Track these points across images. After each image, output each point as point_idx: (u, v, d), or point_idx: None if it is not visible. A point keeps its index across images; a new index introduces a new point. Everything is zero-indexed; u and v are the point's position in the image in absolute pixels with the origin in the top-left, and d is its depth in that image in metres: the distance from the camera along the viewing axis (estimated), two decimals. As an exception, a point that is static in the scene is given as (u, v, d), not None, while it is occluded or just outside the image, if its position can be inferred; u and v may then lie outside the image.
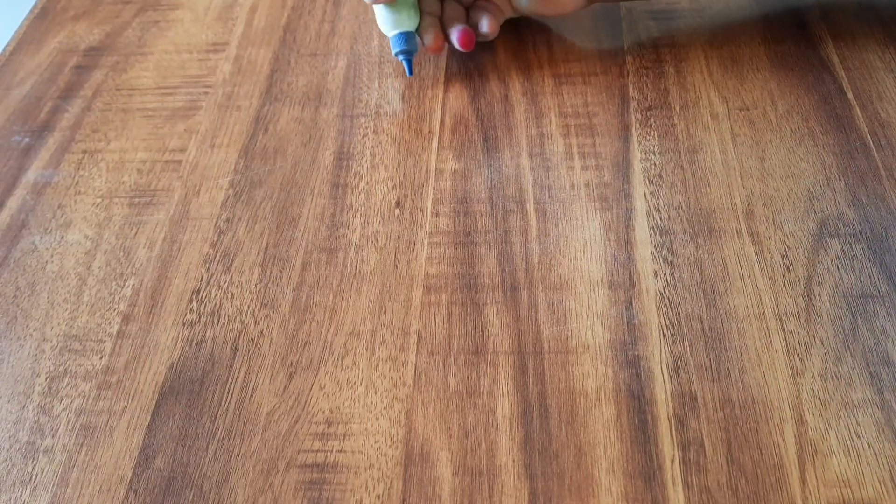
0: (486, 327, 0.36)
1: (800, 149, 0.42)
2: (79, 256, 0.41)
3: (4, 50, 0.53)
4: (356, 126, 0.46)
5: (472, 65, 0.48)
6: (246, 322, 0.37)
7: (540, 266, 0.38)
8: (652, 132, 0.43)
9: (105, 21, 0.54)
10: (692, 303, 0.36)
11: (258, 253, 0.40)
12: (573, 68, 0.47)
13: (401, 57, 0.46)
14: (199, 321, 0.37)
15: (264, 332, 0.37)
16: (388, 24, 0.45)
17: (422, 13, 0.46)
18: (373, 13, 0.48)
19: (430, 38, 0.45)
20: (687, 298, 0.36)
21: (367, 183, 0.43)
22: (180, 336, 0.37)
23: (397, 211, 0.41)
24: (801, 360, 0.34)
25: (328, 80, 0.48)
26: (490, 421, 0.33)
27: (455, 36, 0.46)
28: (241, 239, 0.41)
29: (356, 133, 0.45)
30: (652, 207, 0.40)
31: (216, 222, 0.41)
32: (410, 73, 0.46)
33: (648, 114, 0.44)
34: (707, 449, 0.32)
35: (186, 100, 0.48)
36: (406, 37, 0.45)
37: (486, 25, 0.46)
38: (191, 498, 0.32)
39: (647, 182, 0.41)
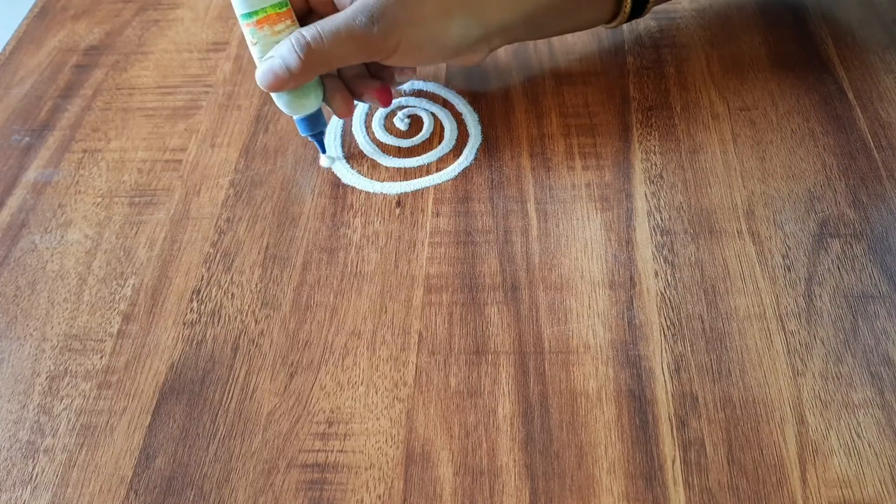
0: (486, 327, 0.36)
1: (800, 149, 0.42)
2: (79, 256, 0.41)
3: (4, 49, 0.53)
4: (357, 126, 0.46)
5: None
6: (246, 322, 0.37)
7: (541, 266, 0.38)
8: (653, 132, 0.43)
9: (105, 20, 0.54)
10: (693, 303, 0.36)
11: (259, 252, 0.40)
12: (574, 68, 0.47)
13: (309, 137, 0.42)
14: (199, 321, 0.37)
15: (265, 332, 0.37)
16: (291, 107, 0.40)
17: (323, 78, 0.41)
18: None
19: (339, 105, 0.42)
20: (688, 298, 0.36)
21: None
22: (181, 336, 0.37)
23: (398, 211, 0.41)
24: (801, 360, 0.34)
25: (329, 80, 0.48)
26: (491, 421, 0.33)
27: (373, 96, 0.42)
28: (241, 238, 0.41)
29: (357, 133, 0.45)
30: (653, 207, 0.40)
31: (217, 222, 0.41)
32: (325, 151, 0.43)
33: (649, 114, 0.44)
34: (708, 449, 0.32)
35: (187, 99, 0.48)
36: (313, 120, 0.41)
37: (403, 74, 0.43)
38: (191, 498, 0.32)
39: (648, 182, 0.41)
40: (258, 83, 0.39)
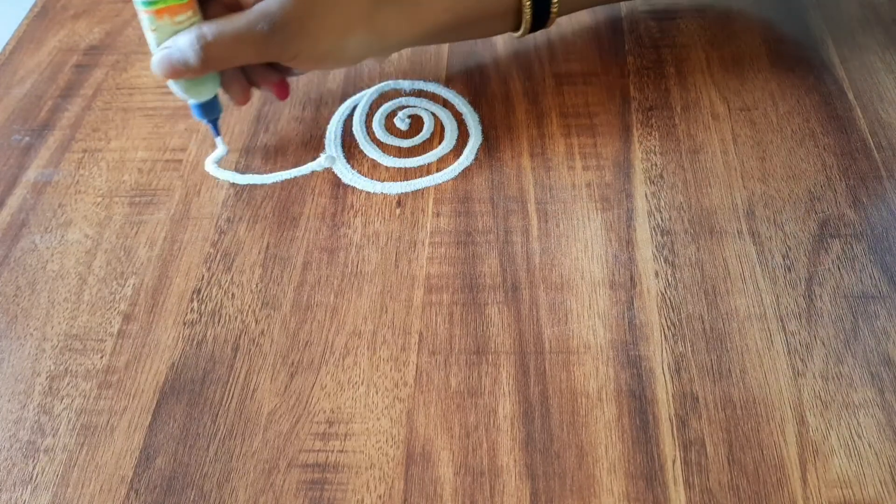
0: (487, 327, 0.36)
1: (801, 149, 0.42)
2: (79, 255, 0.41)
3: (4, 49, 0.53)
4: (357, 126, 0.46)
5: (472, 65, 0.48)
6: (247, 321, 0.37)
7: (541, 266, 0.38)
8: (653, 132, 0.43)
9: (105, 20, 0.54)
10: (693, 303, 0.36)
11: (259, 252, 0.40)
12: (574, 68, 0.47)
13: (205, 122, 0.43)
14: (199, 321, 0.37)
15: (265, 332, 0.37)
16: (187, 93, 0.40)
17: None
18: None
19: (236, 94, 0.42)
20: (688, 299, 0.37)
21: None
22: (181, 335, 0.37)
23: (398, 210, 0.41)
24: (802, 360, 0.34)
25: (329, 80, 0.48)
26: (491, 421, 0.33)
27: (270, 88, 0.43)
28: (241, 238, 0.41)
29: (357, 133, 0.45)
30: (653, 207, 0.40)
31: (217, 222, 0.41)
32: (218, 134, 0.43)
33: (649, 114, 0.44)
34: (708, 449, 0.32)
35: (187, 99, 0.48)
36: (208, 106, 0.41)
37: (302, 71, 0.44)
38: (192, 498, 0.32)
39: (649, 182, 0.41)
40: (153, 69, 0.38)
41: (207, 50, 0.37)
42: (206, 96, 0.41)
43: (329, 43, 0.39)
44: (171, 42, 0.38)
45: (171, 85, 0.40)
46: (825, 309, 0.36)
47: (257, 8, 0.38)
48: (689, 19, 0.50)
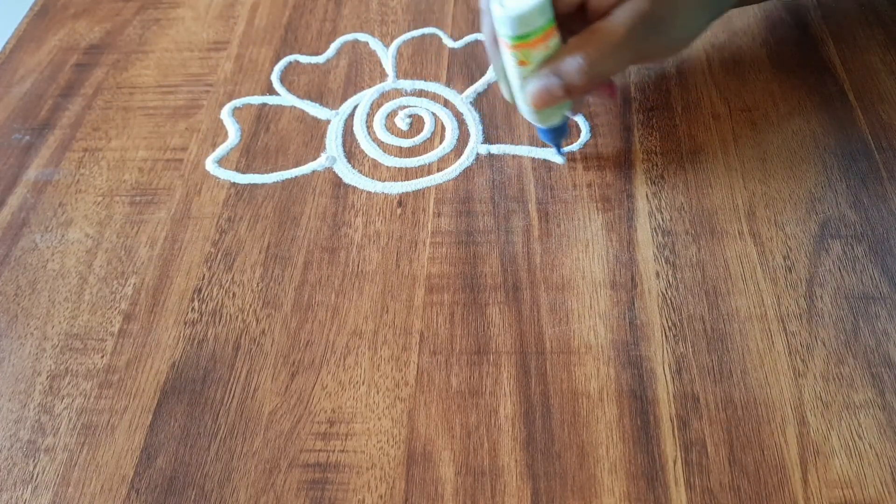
0: (488, 327, 0.36)
1: (801, 150, 0.42)
2: (80, 255, 0.41)
3: (4, 48, 0.53)
4: (359, 125, 0.46)
5: (474, 65, 0.48)
6: (248, 321, 0.37)
7: (542, 266, 0.38)
8: (654, 133, 0.43)
9: (105, 19, 0.54)
10: (694, 304, 0.36)
11: (260, 252, 0.40)
12: (575, 68, 0.47)
13: (551, 144, 0.42)
14: (200, 320, 0.37)
15: (266, 332, 0.37)
16: (546, 119, 0.39)
17: None
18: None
19: (578, 106, 0.42)
20: (689, 299, 0.37)
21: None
22: (182, 335, 0.37)
23: (399, 210, 0.41)
24: (802, 361, 0.34)
25: (330, 80, 0.48)
26: (492, 421, 0.33)
27: (603, 92, 0.41)
28: (242, 238, 0.41)
29: (358, 132, 0.45)
30: (654, 208, 0.40)
31: (217, 221, 0.41)
32: (562, 154, 0.42)
33: (650, 114, 0.44)
34: (709, 450, 0.32)
35: (188, 98, 0.48)
36: (560, 129, 0.40)
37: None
38: (193, 497, 0.32)
39: (649, 183, 0.41)
40: (530, 101, 0.37)
41: (593, 67, 0.36)
42: (560, 120, 0.39)
43: (690, 25, 0.38)
44: (549, 69, 0.36)
45: (527, 113, 0.39)
46: (826, 310, 0.36)
47: (628, 10, 0.35)
48: (689, 20, 0.50)
